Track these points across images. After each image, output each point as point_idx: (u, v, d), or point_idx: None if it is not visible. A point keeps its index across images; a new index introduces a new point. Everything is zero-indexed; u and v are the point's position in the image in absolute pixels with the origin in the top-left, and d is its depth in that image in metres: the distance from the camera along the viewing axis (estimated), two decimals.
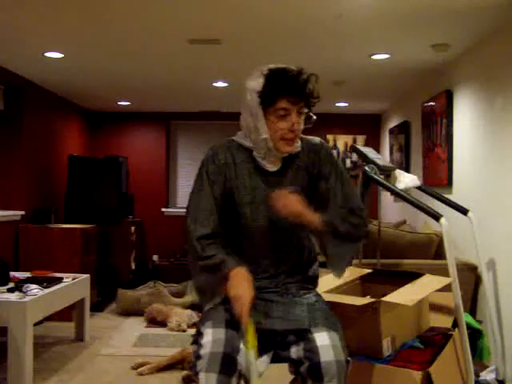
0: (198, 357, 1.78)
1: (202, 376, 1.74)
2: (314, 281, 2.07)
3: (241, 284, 1.77)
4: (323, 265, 2.08)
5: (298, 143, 1.96)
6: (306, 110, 1.92)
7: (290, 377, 1.99)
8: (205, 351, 1.77)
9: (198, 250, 1.87)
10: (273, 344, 1.91)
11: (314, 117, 1.97)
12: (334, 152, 7.03)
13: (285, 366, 1.94)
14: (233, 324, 1.80)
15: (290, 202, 1.82)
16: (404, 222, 5.39)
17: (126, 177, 6.92)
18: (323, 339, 1.82)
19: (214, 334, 1.81)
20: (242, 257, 1.90)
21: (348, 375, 1.85)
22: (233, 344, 1.78)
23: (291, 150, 1.91)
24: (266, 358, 1.90)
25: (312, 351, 1.80)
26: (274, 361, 1.94)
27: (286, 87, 1.82)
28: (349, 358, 1.85)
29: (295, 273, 2.00)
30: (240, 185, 1.93)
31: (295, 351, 1.85)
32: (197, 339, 1.86)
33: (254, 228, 1.94)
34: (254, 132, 1.89)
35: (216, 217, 1.92)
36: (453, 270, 2.69)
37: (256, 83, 1.86)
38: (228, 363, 1.75)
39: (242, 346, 1.78)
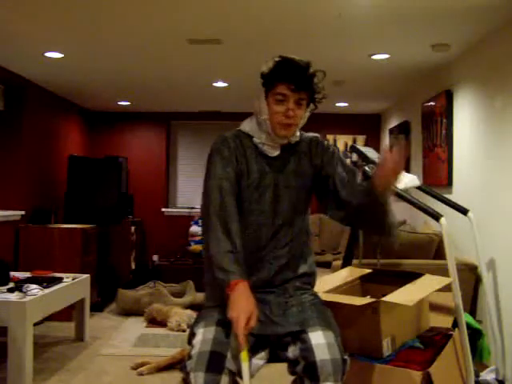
0: (189, 357, 1.81)
1: (191, 376, 1.76)
2: (311, 277, 2.08)
3: (239, 303, 1.75)
4: (321, 265, 2.08)
5: (298, 133, 2.04)
6: (312, 107, 2.00)
7: (291, 377, 1.99)
8: (194, 351, 1.80)
9: (217, 234, 1.86)
10: (269, 343, 1.93)
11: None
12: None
13: (285, 367, 1.94)
14: (224, 323, 1.81)
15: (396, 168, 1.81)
16: (404, 222, 5.39)
17: (126, 177, 6.92)
18: (318, 338, 1.83)
19: (204, 333, 1.84)
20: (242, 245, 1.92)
21: (348, 374, 1.85)
22: (222, 342, 1.79)
23: (287, 134, 1.97)
24: (263, 355, 1.93)
25: (307, 350, 1.81)
26: (272, 360, 1.95)
27: (286, 73, 1.91)
28: (346, 357, 1.84)
29: (293, 264, 2.01)
30: (249, 169, 1.99)
31: (292, 351, 1.87)
32: (190, 340, 1.89)
33: (257, 212, 1.97)
34: (259, 113, 1.98)
35: (233, 198, 1.93)
36: (453, 269, 2.69)
37: (266, 66, 1.96)
38: (215, 361, 1.76)
39: (231, 343, 1.79)
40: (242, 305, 1.74)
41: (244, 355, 1.73)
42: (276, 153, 2.01)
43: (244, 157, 1.99)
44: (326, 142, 2.12)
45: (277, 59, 1.95)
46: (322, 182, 2.04)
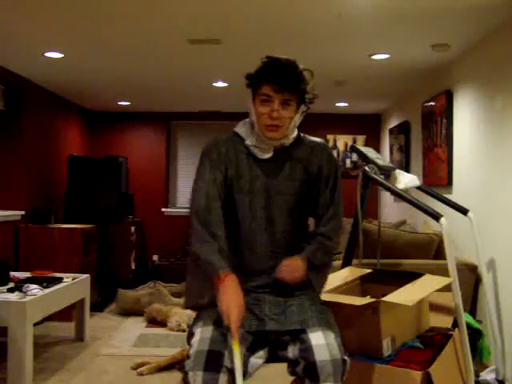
0: (187, 357, 1.82)
1: (190, 375, 1.77)
2: None
3: (228, 295, 1.77)
4: None
5: (293, 135, 1.99)
6: (303, 108, 1.95)
7: (291, 377, 1.99)
8: (192, 350, 1.81)
9: (200, 237, 1.88)
10: (268, 342, 1.93)
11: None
12: (334, 152, 7.03)
13: (285, 367, 1.94)
14: (222, 322, 1.81)
15: (295, 272, 1.92)
16: (404, 222, 5.39)
17: (126, 177, 6.92)
18: (318, 338, 1.83)
19: (202, 332, 1.85)
20: (237, 251, 1.93)
21: (348, 374, 1.85)
22: (220, 341, 1.80)
23: (274, 136, 1.93)
24: (262, 354, 1.93)
25: (307, 351, 1.81)
26: (271, 360, 1.95)
27: (269, 74, 1.88)
28: (346, 357, 1.84)
29: None
30: (239, 173, 1.97)
31: (291, 351, 1.87)
32: (189, 340, 1.90)
33: (250, 217, 1.96)
34: (250, 114, 1.97)
35: (219, 203, 1.94)
36: (453, 269, 2.69)
37: (255, 68, 1.93)
38: (213, 360, 1.76)
39: (229, 342, 1.80)
40: (232, 297, 1.76)
41: (236, 344, 1.73)
42: (267, 155, 1.97)
43: (235, 162, 1.97)
44: (328, 153, 2.05)
45: (264, 60, 1.92)
46: (310, 187, 2.03)
